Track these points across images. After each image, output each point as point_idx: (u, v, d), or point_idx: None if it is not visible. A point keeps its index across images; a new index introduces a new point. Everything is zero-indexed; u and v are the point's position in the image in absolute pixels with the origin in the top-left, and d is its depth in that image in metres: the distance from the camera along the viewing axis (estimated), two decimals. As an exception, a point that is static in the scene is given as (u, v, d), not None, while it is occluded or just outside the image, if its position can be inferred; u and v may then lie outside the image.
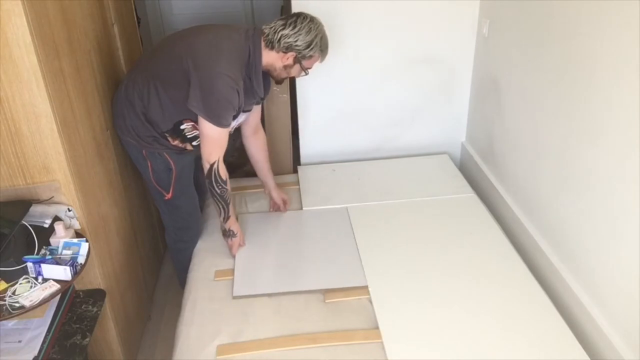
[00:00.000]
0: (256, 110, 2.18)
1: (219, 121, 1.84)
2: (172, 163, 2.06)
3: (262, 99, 2.08)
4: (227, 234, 2.12)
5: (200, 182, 2.31)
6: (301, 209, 2.41)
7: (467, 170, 2.83)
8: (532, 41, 2.10)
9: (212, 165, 1.91)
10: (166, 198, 2.12)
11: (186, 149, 2.06)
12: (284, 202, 2.39)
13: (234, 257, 2.11)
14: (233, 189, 2.57)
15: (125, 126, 1.99)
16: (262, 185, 2.43)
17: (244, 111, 2.02)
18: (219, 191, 1.97)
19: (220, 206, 2.02)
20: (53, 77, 1.56)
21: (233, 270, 2.03)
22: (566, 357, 1.62)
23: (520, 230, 2.24)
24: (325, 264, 2.04)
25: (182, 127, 1.97)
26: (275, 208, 2.41)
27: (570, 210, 1.89)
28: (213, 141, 1.88)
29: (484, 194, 2.59)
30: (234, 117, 1.93)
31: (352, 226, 2.25)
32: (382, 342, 1.67)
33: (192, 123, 1.95)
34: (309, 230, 2.30)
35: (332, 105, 2.78)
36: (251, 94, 1.97)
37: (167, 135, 1.99)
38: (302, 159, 2.90)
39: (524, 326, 1.73)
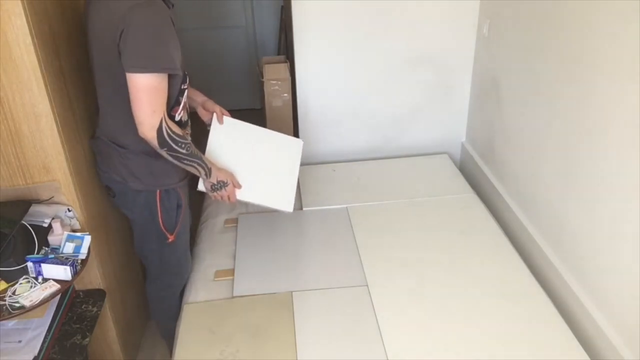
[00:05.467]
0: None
1: (154, 63, 1.40)
2: (182, 197, 1.81)
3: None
4: (216, 187, 1.80)
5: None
6: (301, 209, 2.41)
7: (467, 170, 2.83)
8: (532, 41, 2.10)
9: (160, 126, 1.46)
10: (169, 240, 1.83)
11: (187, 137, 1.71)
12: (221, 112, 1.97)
13: (235, 203, 1.89)
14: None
15: (130, 172, 1.68)
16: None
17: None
18: (184, 151, 1.57)
19: (195, 165, 1.67)
20: (53, 77, 1.57)
21: (233, 270, 2.03)
22: (566, 357, 1.62)
23: (520, 230, 2.24)
24: (325, 264, 2.04)
25: (174, 115, 1.65)
26: (208, 118, 1.97)
27: (571, 210, 1.89)
28: (152, 93, 1.40)
29: (484, 194, 2.58)
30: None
31: (352, 226, 2.25)
32: (382, 341, 1.68)
33: (180, 105, 1.65)
34: (309, 230, 2.30)
35: (333, 105, 2.78)
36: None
37: None
38: (302, 159, 2.89)
39: (524, 326, 1.73)
